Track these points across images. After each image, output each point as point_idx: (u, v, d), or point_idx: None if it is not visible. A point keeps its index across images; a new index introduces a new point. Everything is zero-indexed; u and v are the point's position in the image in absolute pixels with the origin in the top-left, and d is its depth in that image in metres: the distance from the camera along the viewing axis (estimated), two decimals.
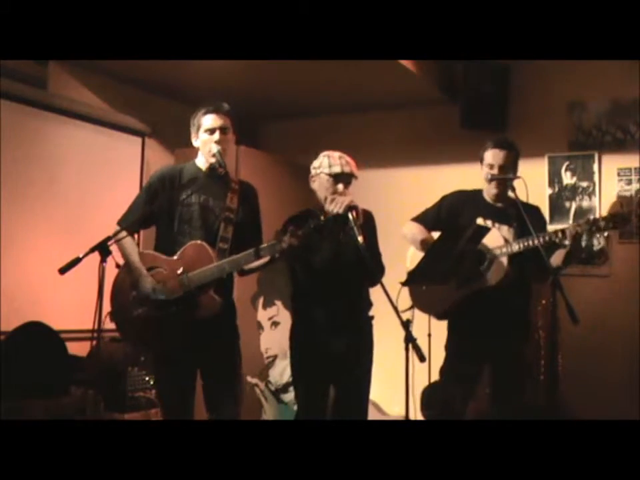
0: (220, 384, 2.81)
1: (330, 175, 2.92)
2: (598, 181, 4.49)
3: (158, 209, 2.82)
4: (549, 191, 4.62)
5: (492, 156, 3.18)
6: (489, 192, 3.23)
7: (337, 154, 2.99)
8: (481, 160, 3.25)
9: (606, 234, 4.20)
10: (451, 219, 3.26)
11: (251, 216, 2.94)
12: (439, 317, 3.33)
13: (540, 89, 4.68)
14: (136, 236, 3.01)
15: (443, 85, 4.75)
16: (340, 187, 2.92)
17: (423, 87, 4.62)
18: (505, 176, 3.12)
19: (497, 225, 3.18)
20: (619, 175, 4.43)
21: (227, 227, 2.81)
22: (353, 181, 2.98)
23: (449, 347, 3.27)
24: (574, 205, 4.54)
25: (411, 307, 3.16)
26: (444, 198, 3.36)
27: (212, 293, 2.73)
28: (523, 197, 3.09)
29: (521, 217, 3.06)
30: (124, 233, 2.75)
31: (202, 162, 2.91)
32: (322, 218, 2.68)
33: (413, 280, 3.14)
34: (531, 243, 3.02)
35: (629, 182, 4.40)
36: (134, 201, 2.90)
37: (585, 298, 4.05)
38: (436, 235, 3.24)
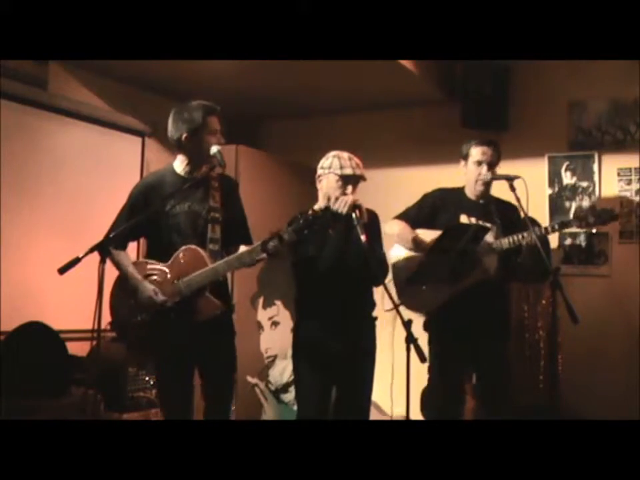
0: (219, 381, 2.82)
1: (341, 176, 2.90)
2: (598, 181, 4.49)
3: (145, 222, 2.78)
4: (548, 191, 4.62)
5: (481, 153, 3.23)
6: (476, 189, 3.27)
7: (346, 155, 2.96)
8: (464, 157, 3.28)
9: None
10: (433, 216, 3.29)
11: (235, 210, 2.92)
12: (429, 315, 3.28)
13: (540, 88, 4.68)
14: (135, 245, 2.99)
15: (443, 85, 4.75)
16: (349, 188, 2.90)
17: (423, 87, 4.61)
18: (507, 175, 3.12)
19: (480, 221, 3.21)
20: (618, 175, 4.43)
21: (215, 228, 2.80)
22: (360, 182, 2.98)
23: (432, 347, 3.19)
24: (574, 205, 4.54)
25: (396, 307, 3.03)
26: (425, 196, 3.39)
27: (208, 295, 2.72)
28: (523, 197, 3.09)
29: (502, 214, 3.16)
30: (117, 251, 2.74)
31: (181, 166, 2.87)
32: (315, 209, 2.68)
33: (416, 280, 3.14)
34: (517, 239, 3.07)
35: (629, 182, 4.39)
36: (117, 217, 2.85)
37: (585, 298, 4.04)
38: (420, 232, 3.25)
